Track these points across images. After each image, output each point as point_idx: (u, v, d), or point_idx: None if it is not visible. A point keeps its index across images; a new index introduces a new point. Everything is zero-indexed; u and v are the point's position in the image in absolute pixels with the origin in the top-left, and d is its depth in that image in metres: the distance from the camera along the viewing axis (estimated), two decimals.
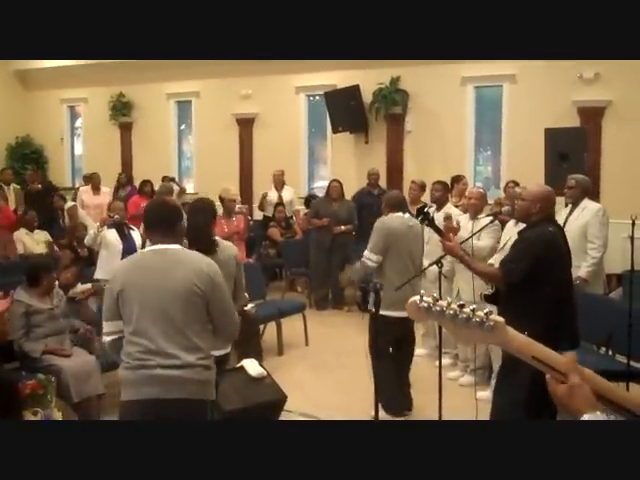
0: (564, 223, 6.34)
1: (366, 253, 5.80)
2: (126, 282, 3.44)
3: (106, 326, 3.53)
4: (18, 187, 11.77)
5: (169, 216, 3.62)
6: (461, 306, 1.72)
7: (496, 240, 6.32)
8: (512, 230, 5.73)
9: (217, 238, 4.70)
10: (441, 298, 5.26)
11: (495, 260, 5.51)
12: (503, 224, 6.24)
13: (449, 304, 1.73)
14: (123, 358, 3.44)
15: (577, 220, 6.40)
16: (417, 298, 1.76)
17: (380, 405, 5.53)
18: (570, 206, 6.58)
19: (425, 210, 5.28)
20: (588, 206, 6.50)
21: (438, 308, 1.73)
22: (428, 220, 5.23)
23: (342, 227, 9.73)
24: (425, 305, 1.74)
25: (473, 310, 1.71)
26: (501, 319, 1.73)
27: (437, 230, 5.25)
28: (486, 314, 1.71)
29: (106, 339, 3.54)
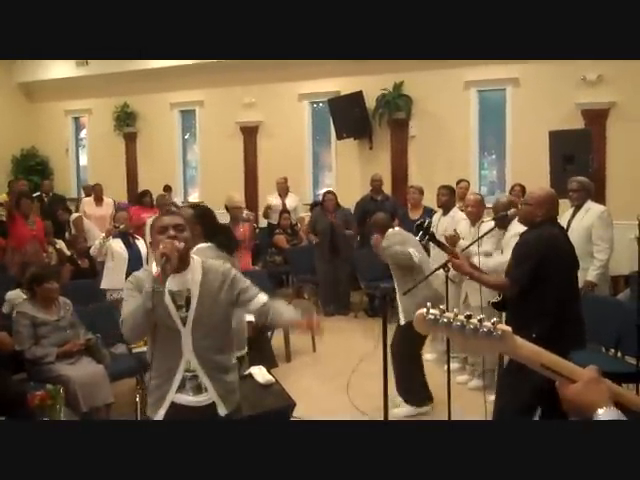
0: (567, 225, 6.32)
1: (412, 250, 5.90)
2: None
3: None
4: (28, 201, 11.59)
5: None
6: (468, 317, 1.70)
7: (500, 245, 6.29)
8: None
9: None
10: (448, 301, 5.28)
11: (488, 267, 5.47)
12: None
13: (456, 315, 1.71)
14: None
15: (581, 222, 6.39)
16: (424, 311, 1.74)
17: (404, 400, 5.93)
18: (573, 208, 6.56)
19: (425, 225, 5.15)
20: (592, 208, 6.49)
21: (445, 320, 1.71)
22: (428, 235, 5.14)
23: (345, 231, 9.74)
24: (432, 317, 1.72)
25: (480, 320, 1.70)
26: (508, 328, 1.71)
27: (439, 244, 5.19)
28: (493, 324, 1.70)
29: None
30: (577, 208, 6.51)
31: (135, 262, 7.03)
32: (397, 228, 6.28)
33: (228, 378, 3.46)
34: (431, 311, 1.73)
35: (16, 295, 6.37)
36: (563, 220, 6.40)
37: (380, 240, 6.07)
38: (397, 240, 6.00)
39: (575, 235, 6.04)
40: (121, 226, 7.50)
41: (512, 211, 5.19)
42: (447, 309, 5.02)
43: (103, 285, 7.35)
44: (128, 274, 7.43)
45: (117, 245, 7.38)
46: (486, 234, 5.41)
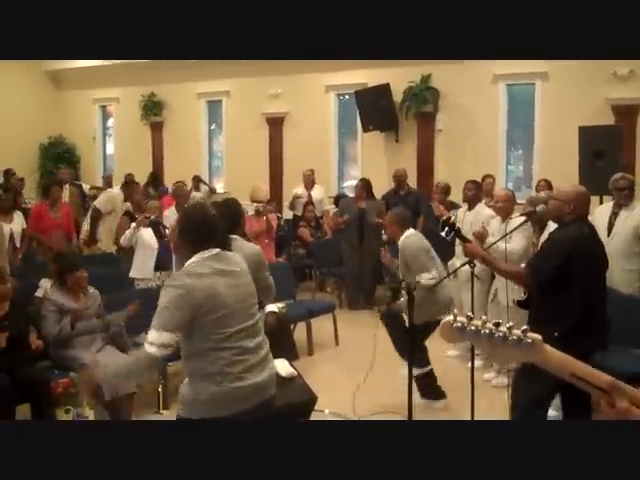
0: (609, 224, 6.20)
1: (425, 275, 5.78)
2: (211, 291, 3.25)
3: (162, 337, 3.17)
4: (73, 188, 11.60)
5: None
6: (497, 324, 1.66)
7: (528, 241, 6.21)
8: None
9: (236, 237, 4.67)
10: (473, 298, 5.18)
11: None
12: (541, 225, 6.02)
13: (484, 323, 1.67)
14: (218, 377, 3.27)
15: (626, 221, 6.20)
16: (450, 318, 1.70)
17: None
18: (612, 206, 6.38)
19: (451, 222, 5.10)
20: (637, 207, 6.27)
21: (473, 328, 1.67)
22: (454, 231, 5.09)
23: (376, 219, 9.54)
24: (459, 325, 1.68)
25: (510, 328, 1.66)
26: (538, 336, 1.67)
27: (465, 240, 5.15)
28: (523, 331, 1.66)
29: (156, 352, 3.16)
30: (619, 207, 6.30)
31: (165, 252, 7.07)
32: (412, 230, 6.17)
33: (183, 385, 3.41)
34: (458, 319, 1.69)
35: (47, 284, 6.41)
36: (603, 217, 6.27)
37: (389, 258, 6.20)
38: (417, 247, 5.95)
39: (620, 234, 5.95)
40: (152, 216, 7.50)
41: (541, 207, 5.09)
42: (473, 307, 4.93)
43: (132, 274, 7.38)
44: (157, 264, 7.39)
45: (147, 235, 7.40)
46: (516, 229, 5.34)
